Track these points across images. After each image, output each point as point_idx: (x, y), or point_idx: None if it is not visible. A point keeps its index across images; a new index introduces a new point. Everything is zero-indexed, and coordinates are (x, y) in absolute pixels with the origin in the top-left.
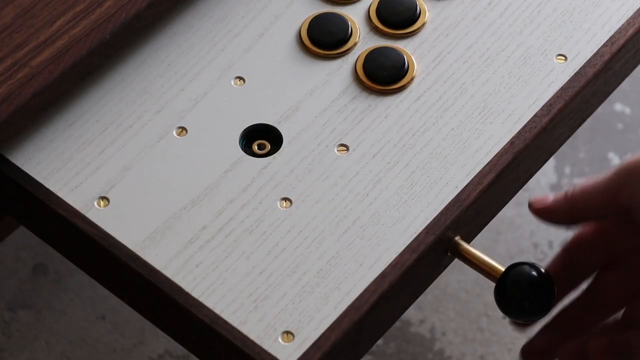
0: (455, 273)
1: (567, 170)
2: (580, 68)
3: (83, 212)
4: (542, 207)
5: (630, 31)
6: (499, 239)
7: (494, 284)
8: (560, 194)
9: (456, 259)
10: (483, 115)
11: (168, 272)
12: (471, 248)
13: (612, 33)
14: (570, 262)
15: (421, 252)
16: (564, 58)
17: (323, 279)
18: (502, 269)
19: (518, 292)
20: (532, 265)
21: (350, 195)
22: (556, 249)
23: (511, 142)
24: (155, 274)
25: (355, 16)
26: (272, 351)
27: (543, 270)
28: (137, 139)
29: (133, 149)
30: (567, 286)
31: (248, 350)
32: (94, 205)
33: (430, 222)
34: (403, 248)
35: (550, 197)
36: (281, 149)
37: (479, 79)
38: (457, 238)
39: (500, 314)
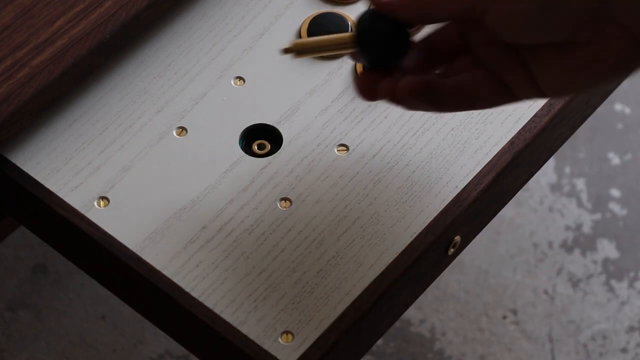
0: (455, 273)
1: (567, 170)
2: None
3: (83, 212)
4: None
5: None
6: (499, 239)
7: (493, 284)
8: None
9: (455, 259)
10: (483, 115)
11: (168, 272)
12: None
13: None
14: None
15: (421, 252)
16: None
17: (323, 279)
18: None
19: (375, 38)
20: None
21: (350, 195)
22: (556, 249)
23: (511, 142)
24: (155, 274)
25: (355, 16)
26: (272, 351)
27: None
28: (137, 139)
29: (133, 149)
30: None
31: (248, 350)
32: (94, 205)
33: (430, 222)
34: (403, 248)
35: None
36: (281, 149)
37: None
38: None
39: (500, 313)
